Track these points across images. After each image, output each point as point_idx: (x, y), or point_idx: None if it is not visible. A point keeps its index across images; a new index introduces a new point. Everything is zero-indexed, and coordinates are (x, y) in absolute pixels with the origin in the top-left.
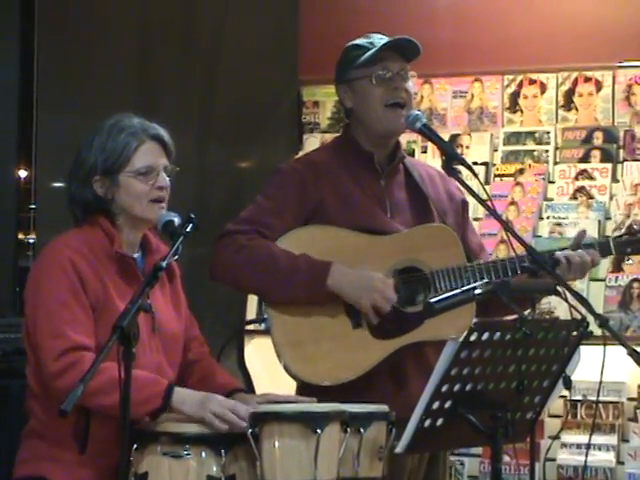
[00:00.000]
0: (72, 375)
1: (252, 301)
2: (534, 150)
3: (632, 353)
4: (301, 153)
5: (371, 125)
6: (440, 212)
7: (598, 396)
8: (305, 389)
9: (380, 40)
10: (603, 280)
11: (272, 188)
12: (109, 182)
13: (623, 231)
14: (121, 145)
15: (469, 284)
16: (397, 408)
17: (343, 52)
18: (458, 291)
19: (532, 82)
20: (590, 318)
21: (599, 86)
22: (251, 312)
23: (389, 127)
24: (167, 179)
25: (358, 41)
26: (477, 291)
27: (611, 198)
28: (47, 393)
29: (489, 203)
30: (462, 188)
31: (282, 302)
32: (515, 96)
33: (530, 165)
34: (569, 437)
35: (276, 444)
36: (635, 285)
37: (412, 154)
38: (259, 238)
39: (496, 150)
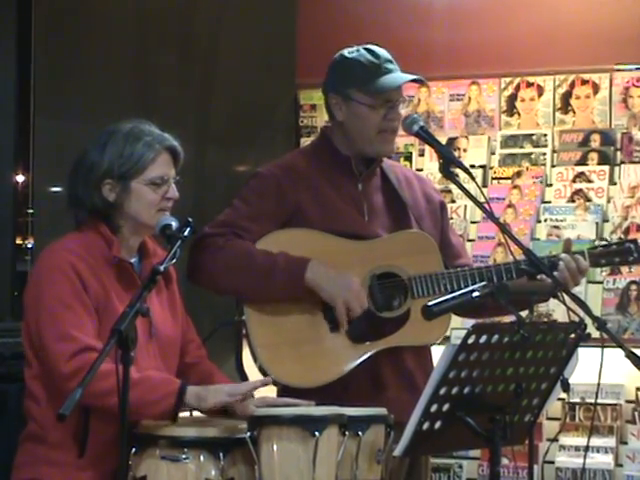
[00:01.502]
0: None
1: None
2: (531, 153)
3: (630, 355)
4: None
5: (361, 146)
6: (417, 216)
7: (596, 398)
8: (285, 392)
9: (386, 63)
10: (601, 283)
11: (250, 192)
12: (120, 187)
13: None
14: (138, 153)
15: (446, 290)
16: None
17: (344, 64)
18: (456, 294)
19: (529, 85)
20: (588, 320)
21: (596, 89)
22: None
23: (379, 151)
24: (176, 192)
25: (361, 57)
26: (475, 294)
27: (608, 200)
28: (52, 396)
29: (486, 206)
30: (460, 190)
31: (260, 300)
32: (512, 99)
33: (527, 168)
34: (567, 440)
35: (274, 447)
36: (633, 287)
37: (410, 157)
38: (236, 239)
39: (493, 153)
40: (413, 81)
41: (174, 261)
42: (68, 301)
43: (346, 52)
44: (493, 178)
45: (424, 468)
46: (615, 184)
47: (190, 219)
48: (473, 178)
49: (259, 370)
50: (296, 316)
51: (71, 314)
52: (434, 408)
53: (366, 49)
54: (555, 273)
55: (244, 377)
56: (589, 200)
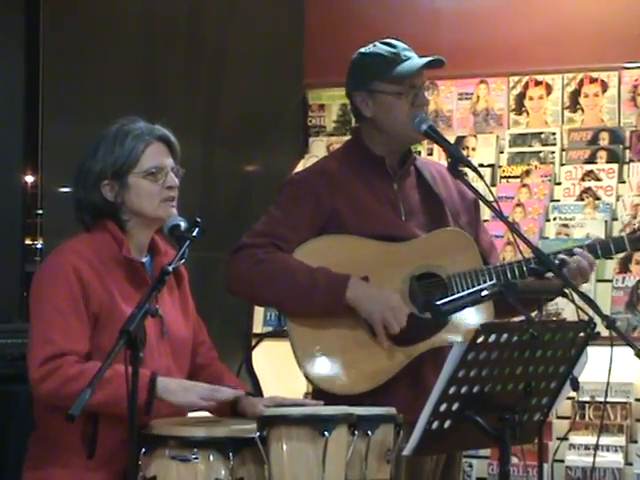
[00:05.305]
0: (55, 379)
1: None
2: (540, 151)
3: (639, 354)
4: (307, 156)
5: (396, 136)
6: (453, 212)
7: (606, 397)
8: (319, 395)
9: (405, 51)
10: (610, 281)
11: (285, 199)
12: (118, 185)
13: (637, 227)
14: (128, 148)
15: None
16: (417, 410)
17: (363, 59)
18: (465, 293)
19: (538, 83)
20: (597, 319)
21: (605, 87)
22: (258, 316)
23: (416, 139)
24: (175, 179)
25: (381, 50)
26: (484, 293)
27: (617, 199)
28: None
29: (495, 205)
30: (469, 189)
31: (299, 315)
32: (521, 97)
33: (536, 166)
34: (577, 438)
35: (284, 447)
36: None
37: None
38: (276, 251)
39: (502, 152)
40: (432, 64)
41: (183, 261)
42: (61, 305)
43: (363, 50)
44: (502, 177)
45: (457, 468)
46: (624, 182)
47: (198, 219)
48: (482, 177)
49: (306, 379)
50: (338, 323)
51: (60, 318)
52: (443, 407)
53: (382, 42)
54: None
55: (254, 378)
56: (598, 198)
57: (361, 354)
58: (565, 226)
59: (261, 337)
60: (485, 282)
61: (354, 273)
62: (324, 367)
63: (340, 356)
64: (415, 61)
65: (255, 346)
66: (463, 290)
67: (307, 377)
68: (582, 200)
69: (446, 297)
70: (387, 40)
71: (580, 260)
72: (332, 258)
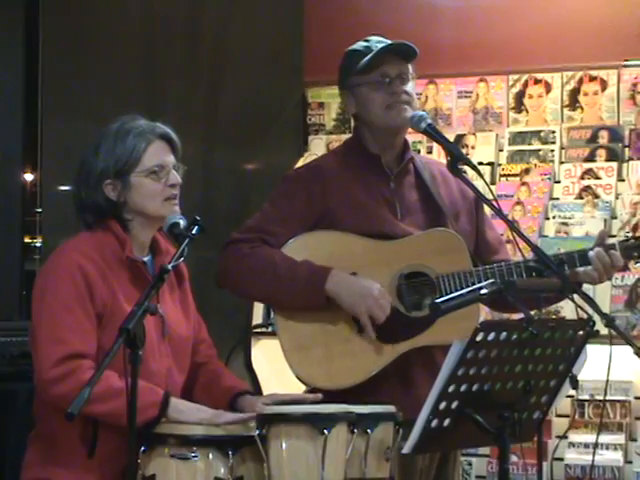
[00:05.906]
0: (70, 383)
1: (259, 304)
2: (539, 150)
3: (639, 352)
4: (306, 154)
5: (376, 126)
6: (452, 213)
7: (605, 395)
8: (313, 392)
9: (378, 44)
10: (609, 279)
11: (279, 196)
12: (120, 185)
13: (630, 235)
14: (130, 146)
15: None
16: (405, 409)
17: (343, 58)
18: (464, 291)
19: (537, 82)
20: (596, 317)
21: (604, 85)
22: (258, 314)
23: (393, 124)
24: (178, 176)
25: (357, 46)
26: (483, 291)
27: (617, 197)
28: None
29: (495, 203)
30: (468, 188)
31: (285, 309)
32: (520, 96)
33: (536, 165)
34: (576, 436)
35: (283, 445)
36: None
37: None
38: (262, 245)
39: (501, 150)
40: (393, 48)
41: (182, 259)
42: (70, 304)
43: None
44: (501, 175)
45: (452, 466)
46: (623, 180)
47: (198, 217)
48: (481, 175)
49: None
50: (324, 319)
51: (70, 318)
52: (443, 405)
53: (363, 39)
54: (588, 267)
55: (253, 375)
56: (597, 197)
57: (345, 349)
58: (564, 224)
59: (249, 332)
60: (473, 283)
61: (342, 269)
62: (307, 361)
63: (324, 350)
64: (379, 48)
65: (240, 342)
66: (451, 290)
67: (293, 371)
68: (581, 198)
69: (441, 297)
70: (368, 37)
71: (603, 256)
72: (321, 254)
